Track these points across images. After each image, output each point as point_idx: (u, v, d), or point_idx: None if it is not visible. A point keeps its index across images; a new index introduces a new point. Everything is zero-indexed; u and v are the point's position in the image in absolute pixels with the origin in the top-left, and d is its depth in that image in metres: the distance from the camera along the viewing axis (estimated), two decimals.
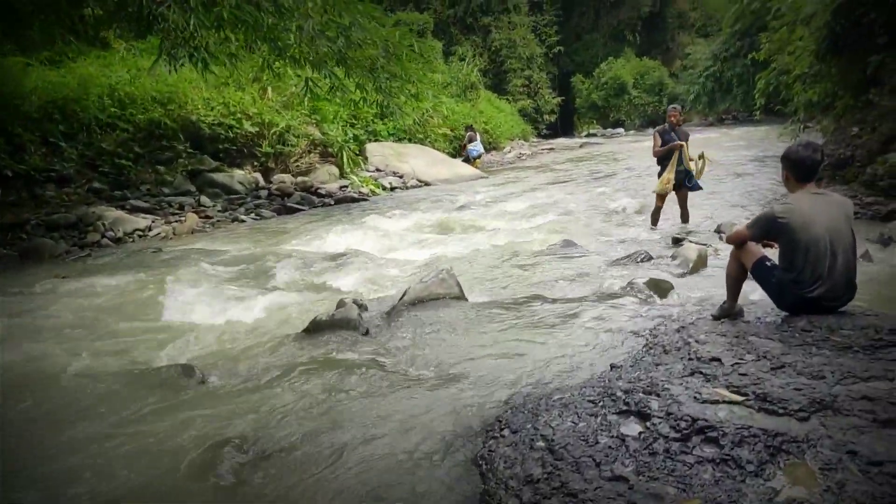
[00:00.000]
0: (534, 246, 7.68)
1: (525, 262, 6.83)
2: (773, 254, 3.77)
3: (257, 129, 13.10)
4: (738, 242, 3.80)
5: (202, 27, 7.90)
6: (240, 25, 8.39)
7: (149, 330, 5.09)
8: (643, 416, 2.72)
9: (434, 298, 5.11)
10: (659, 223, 8.43)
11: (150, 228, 9.49)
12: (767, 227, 3.64)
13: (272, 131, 13.36)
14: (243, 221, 10.80)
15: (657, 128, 8.51)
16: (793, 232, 3.50)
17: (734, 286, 3.85)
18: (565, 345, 4.11)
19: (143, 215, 9.82)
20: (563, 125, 38.27)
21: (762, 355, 3.11)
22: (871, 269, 5.45)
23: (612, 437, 2.63)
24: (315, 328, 4.65)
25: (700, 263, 6.00)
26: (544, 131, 34.92)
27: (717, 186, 11.15)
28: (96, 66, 12.20)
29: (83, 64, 12.08)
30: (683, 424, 2.57)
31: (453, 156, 20.16)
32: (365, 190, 14.06)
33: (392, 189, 15.08)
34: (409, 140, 18.99)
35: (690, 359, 3.24)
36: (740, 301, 3.95)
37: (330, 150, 14.64)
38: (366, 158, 16.26)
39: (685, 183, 8.13)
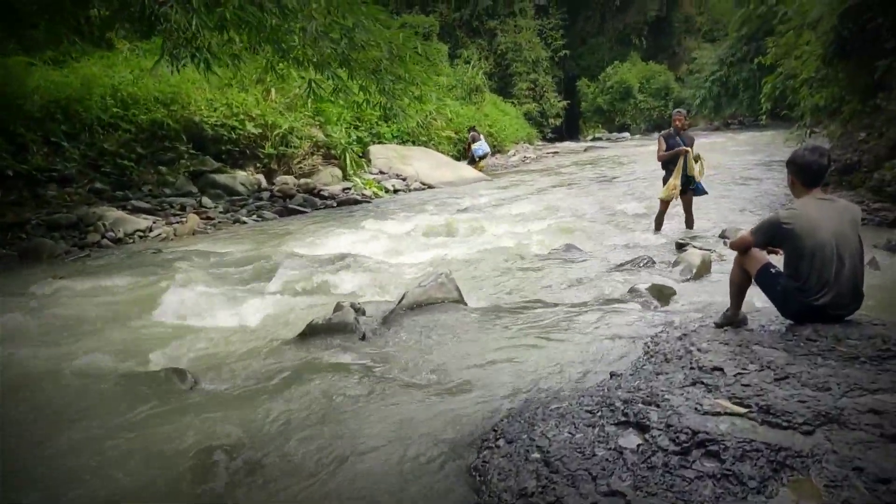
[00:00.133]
0: (536, 250, 7.60)
1: (526, 266, 6.76)
2: (777, 260, 3.68)
3: (260, 130, 13.07)
4: (742, 248, 3.71)
5: (204, 28, 7.86)
6: (243, 26, 8.36)
7: (143, 332, 5.02)
8: (642, 428, 2.64)
9: (432, 303, 5.03)
10: (663, 228, 8.35)
11: (150, 229, 9.44)
12: (772, 233, 3.56)
13: (275, 133, 13.32)
14: (244, 223, 10.74)
15: (662, 132, 8.45)
16: (798, 238, 3.41)
17: (738, 293, 3.77)
18: (565, 351, 4.03)
19: (144, 216, 9.78)
20: (569, 129, 38.16)
21: (766, 365, 3.02)
22: (879, 277, 5.35)
23: (610, 449, 2.55)
24: (311, 332, 4.57)
25: (704, 269, 5.91)
26: (549, 135, 34.82)
27: (722, 191, 11.07)
28: (100, 66, 12.19)
29: (87, 64, 12.06)
30: (683, 437, 2.49)
31: (457, 158, 20.10)
32: (368, 192, 14.00)
33: (395, 191, 15.02)
34: (413, 143, 18.95)
35: (692, 368, 3.16)
36: (744, 308, 3.86)
37: (333, 151, 14.60)
38: (369, 161, 16.21)
39: (689, 187, 8.05)
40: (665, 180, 8.17)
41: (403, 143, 18.54)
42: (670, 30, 41.42)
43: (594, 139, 35.31)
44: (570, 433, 2.75)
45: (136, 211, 9.93)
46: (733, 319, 3.79)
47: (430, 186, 15.97)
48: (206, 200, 11.12)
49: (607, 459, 2.48)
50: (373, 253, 7.87)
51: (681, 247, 6.94)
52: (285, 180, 12.92)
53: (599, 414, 2.85)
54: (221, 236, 9.66)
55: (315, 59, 9.14)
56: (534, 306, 5.09)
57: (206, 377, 3.96)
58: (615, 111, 38.35)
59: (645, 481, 2.29)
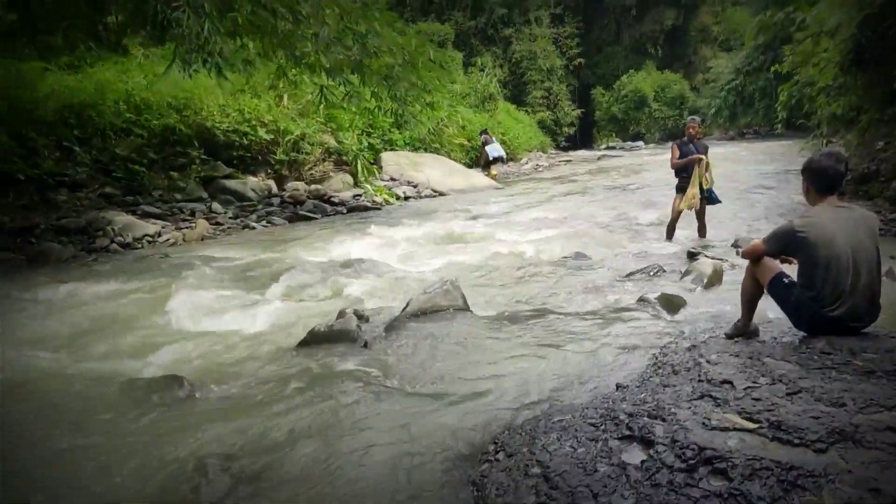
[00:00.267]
0: (545, 257, 7.50)
1: (535, 274, 6.65)
2: (791, 270, 3.56)
3: (272, 136, 13.05)
4: (755, 257, 3.59)
5: (217, 33, 7.85)
6: (256, 32, 8.35)
7: (144, 337, 4.96)
8: (647, 443, 2.53)
9: (437, 310, 4.94)
10: (675, 237, 8.22)
11: (159, 234, 9.43)
12: (785, 242, 3.44)
13: (287, 139, 13.30)
14: (254, 228, 10.72)
15: (676, 140, 8.36)
16: (813, 247, 3.29)
17: (749, 304, 3.65)
18: (570, 362, 3.93)
19: (153, 221, 9.77)
20: (583, 138, 38.06)
21: (777, 379, 2.90)
22: None
23: (613, 465, 2.44)
24: (312, 339, 4.50)
25: (715, 279, 5.78)
26: (563, 143, 34.76)
27: (736, 201, 10.91)
28: (114, 71, 12.22)
29: (101, 69, 12.10)
30: (690, 453, 2.37)
31: (469, 166, 20.04)
32: (378, 199, 13.94)
33: (406, 198, 14.96)
34: (426, 150, 18.90)
35: (700, 380, 3.04)
36: (756, 319, 3.74)
37: (345, 158, 14.57)
38: (381, 167, 16.18)
39: (702, 196, 7.93)
40: (678, 188, 8.07)
41: (416, 150, 18.50)
42: (686, 39, 41.28)
43: (608, 148, 35.11)
44: (571, 447, 2.65)
45: (146, 216, 9.92)
46: (744, 331, 3.67)
47: (441, 194, 15.91)
48: (216, 206, 11.11)
49: (609, 476, 2.37)
50: (381, 260, 7.78)
51: (692, 256, 6.81)
52: (296, 186, 12.89)
53: (603, 427, 2.75)
54: (230, 242, 9.63)
55: (328, 66, 9.11)
56: (540, 315, 4.99)
57: (204, 384, 3.89)
58: (630, 120, 38.19)
59: (648, 499, 2.18)
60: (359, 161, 14.68)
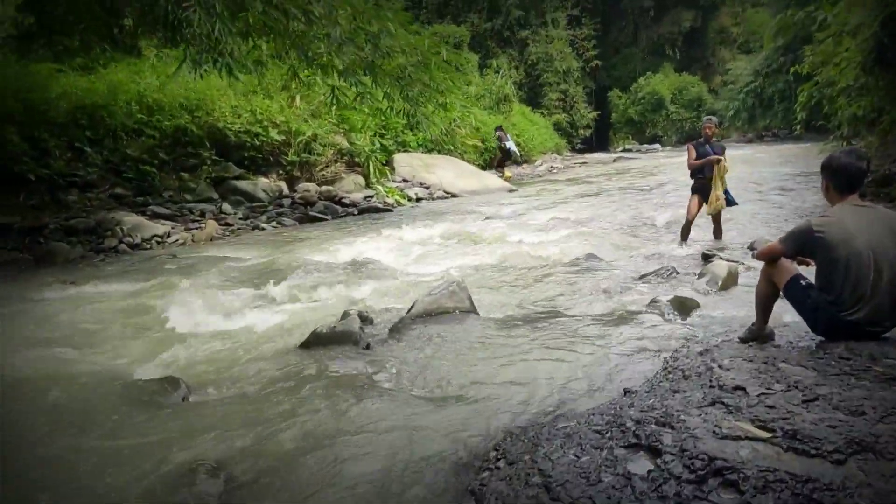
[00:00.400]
0: (556, 259, 7.36)
1: (545, 276, 6.52)
2: (808, 272, 3.41)
3: (284, 137, 13.04)
4: (770, 258, 3.44)
5: (228, 34, 7.82)
6: (268, 32, 8.31)
7: (146, 338, 4.91)
8: (654, 452, 2.39)
9: (443, 312, 4.83)
10: (689, 238, 8.06)
11: (168, 235, 9.41)
12: (803, 242, 3.29)
13: (298, 140, 13.27)
14: (263, 229, 10.68)
15: (692, 141, 8.23)
16: (831, 247, 3.15)
17: (764, 307, 3.50)
18: (578, 365, 3.80)
19: (162, 221, 9.77)
20: (599, 140, 37.84)
21: (793, 385, 2.76)
22: None
23: (617, 475, 2.31)
24: (315, 341, 4.41)
25: (730, 281, 5.61)
26: (579, 146, 34.57)
27: (753, 203, 10.71)
28: (126, 72, 12.27)
29: (114, 70, 12.15)
30: (699, 464, 2.24)
31: (483, 167, 19.93)
32: (390, 200, 13.88)
33: (418, 200, 14.89)
34: (439, 151, 18.82)
35: (712, 386, 2.90)
36: (771, 323, 3.59)
37: (357, 159, 14.52)
38: (393, 169, 16.12)
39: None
40: (693, 189, 7.93)
41: (429, 151, 18.42)
42: (705, 41, 40.91)
43: (624, 150, 34.87)
44: (575, 455, 2.52)
45: (156, 216, 9.92)
46: (759, 335, 3.53)
47: (453, 195, 15.82)
48: (226, 207, 11.10)
49: (614, 487, 2.24)
50: (390, 261, 7.71)
51: (707, 258, 6.65)
52: (307, 187, 12.85)
53: (609, 435, 2.62)
54: (238, 243, 9.59)
55: (341, 67, 9.06)
56: (549, 317, 4.87)
57: (201, 386, 3.82)
58: (646, 122, 37.91)
59: None
60: (371, 162, 14.63)
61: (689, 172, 8.07)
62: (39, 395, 3.80)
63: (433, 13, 32.15)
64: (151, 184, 10.80)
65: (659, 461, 2.33)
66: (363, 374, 3.83)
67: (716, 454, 2.26)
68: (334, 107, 11.05)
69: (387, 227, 10.35)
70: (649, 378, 3.34)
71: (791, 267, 3.40)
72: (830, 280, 3.19)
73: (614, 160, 27.39)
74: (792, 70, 14.42)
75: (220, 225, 10.26)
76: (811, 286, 3.31)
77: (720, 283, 5.55)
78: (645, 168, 21.42)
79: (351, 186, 13.84)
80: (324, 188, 13.14)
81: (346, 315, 4.84)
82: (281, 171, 13.03)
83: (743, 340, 3.58)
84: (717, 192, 7.66)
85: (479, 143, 21.04)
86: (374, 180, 14.53)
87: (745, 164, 16.88)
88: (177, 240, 9.35)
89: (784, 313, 3.88)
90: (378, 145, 15.68)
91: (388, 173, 15.65)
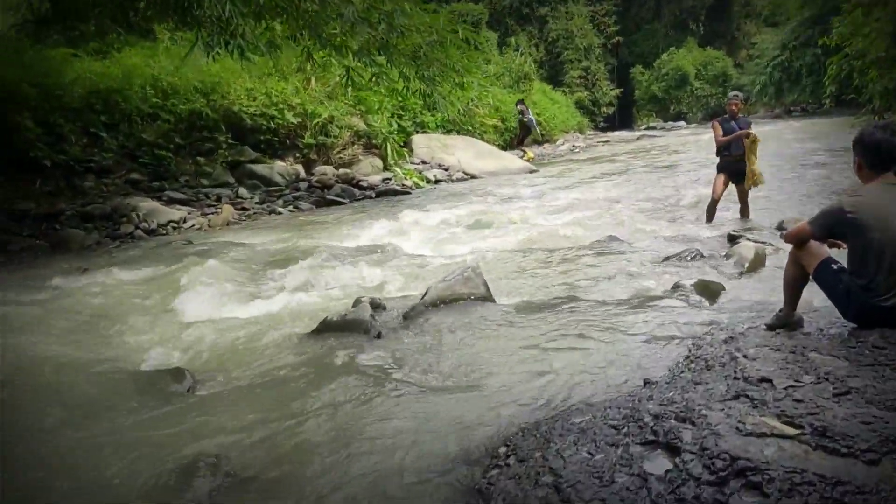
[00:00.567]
0: (577, 241, 7.20)
1: (564, 260, 6.36)
2: (840, 255, 3.22)
3: (300, 119, 12.94)
4: (799, 241, 3.25)
5: (239, 15, 7.72)
6: (281, 13, 8.20)
7: (156, 326, 4.86)
8: (672, 450, 2.25)
9: (457, 299, 4.69)
10: (715, 219, 7.84)
11: (184, 220, 9.40)
12: (833, 223, 3.10)
13: (315, 122, 13.17)
14: (280, 214, 10.64)
15: (717, 118, 8.01)
16: (864, 229, 2.96)
17: (793, 292, 3.32)
18: (596, 354, 3.65)
19: (178, 207, 9.76)
20: (622, 118, 37.36)
21: (823, 377, 2.59)
22: None
23: (633, 475, 2.17)
24: (325, 328, 4.31)
25: (757, 264, 5.41)
26: (601, 124, 34.17)
27: (781, 181, 10.40)
28: (141, 56, 12.22)
29: (128, 54, 12.11)
30: (720, 464, 2.09)
31: (504, 147, 19.70)
32: (408, 182, 13.75)
33: (436, 182, 14.75)
34: (457, 131, 18.62)
35: (736, 378, 2.74)
36: (800, 309, 3.40)
37: (374, 141, 14.40)
38: (411, 150, 15.98)
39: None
40: (719, 168, 7.74)
41: (448, 132, 18.24)
42: (729, 14, 40.09)
43: (648, 128, 34.38)
44: (588, 453, 2.38)
45: (172, 202, 9.91)
46: (787, 321, 3.34)
47: (472, 176, 15.66)
48: (242, 191, 11.06)
49: (628, 488, 2.11)
50: (407, 245, 7.61)
51: (733, 239, 6.42)
52: (324, 170, 12.77)
53: (625, 430, 2.48)
54: (255, 227, 9.56)
55: (355, 48, 8.92)
56: (567, 303, 4.71)
57: (208, 375, 3.77)
58: (670, 99, 37.33)
59: None
60: (388, 144, 14.49)
61: (714, 150, 7.86)
62: (46, 384, 3.76)
63: None
64: (167, 169, 10.79)
65: (677, 460, 2.19)
66: (372, 365, 3.72)
67: (738, 453, 2.12)
68: (350, 88, 10.92)
69: (404, 211, 10.23)
70: (670, 368, 3.19)
71: (821, 249, 3.22)
72: (863, 264, 3.01)
73: (638, 138, 27.02)
74: (820, 42, 14.00)
75: (236, 209, 10.23)
76: (843, 270, 3.13)
77: (747, 265, 5.35)
78: (669, 146, 21.06)
79: (368, 169, 13.73)
80: (341, 171, 13.05)
81: (357, 302, 4.73)
82: (297, 155, 12.95)
83: (770, 327, 3.40)
84: (752, 167, 7.46)
85: (500, 123, 20.80)
86: (391, 162, 14.40)
87: (772, 140, 16.46)
88: (193, 225, 9.34)
89: (814, 298, 3.68)
90: (395, 126, 15.53)
91: (406, 155, 15.51)
